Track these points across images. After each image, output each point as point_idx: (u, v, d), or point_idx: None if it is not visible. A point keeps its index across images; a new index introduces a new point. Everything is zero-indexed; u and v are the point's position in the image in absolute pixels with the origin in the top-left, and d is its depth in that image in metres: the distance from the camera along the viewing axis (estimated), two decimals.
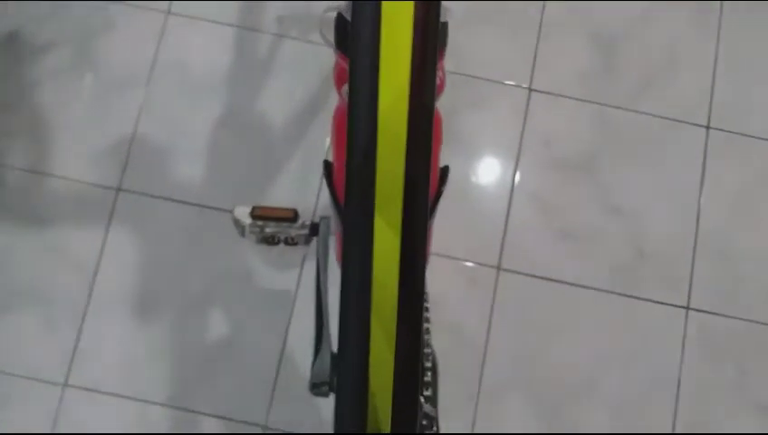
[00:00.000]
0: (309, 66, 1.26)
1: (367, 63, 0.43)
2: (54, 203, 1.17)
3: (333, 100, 1.24)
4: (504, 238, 1.21)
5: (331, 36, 0.62)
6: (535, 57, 1.29)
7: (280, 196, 1.19)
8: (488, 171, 1.24)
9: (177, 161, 1.20)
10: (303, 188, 1.20)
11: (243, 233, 0.85)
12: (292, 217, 0.82)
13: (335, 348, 0.74)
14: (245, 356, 1.13)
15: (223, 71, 1.24)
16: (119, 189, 1.18)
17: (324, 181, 1.18)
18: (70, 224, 1.17)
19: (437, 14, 0.44)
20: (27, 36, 1.24)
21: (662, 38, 1.32)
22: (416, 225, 0.44)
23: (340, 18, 0.59)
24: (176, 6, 1.26)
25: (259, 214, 0.82)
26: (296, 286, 1.15)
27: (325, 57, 1.24)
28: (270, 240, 0.86)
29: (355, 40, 0.44)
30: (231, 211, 0.84)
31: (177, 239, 1.17)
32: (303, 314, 1.14)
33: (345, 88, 0.61)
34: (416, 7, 0.42)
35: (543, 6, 1.31)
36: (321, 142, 1.23)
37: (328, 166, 0.69)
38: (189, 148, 1.20)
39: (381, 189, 0.43)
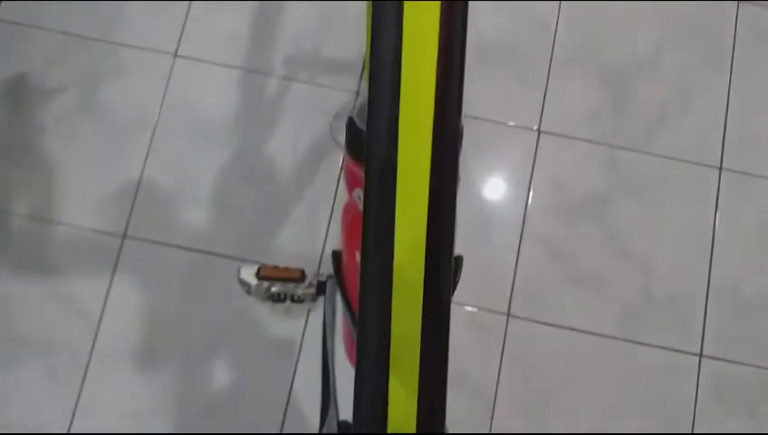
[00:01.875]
0: (317, 109, 1.25)
1: (384, 220, 0.40)
2: (58, 250, 1.16)
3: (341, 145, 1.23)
4: (513, 284, 1.19)
5: (342, 138, 0.60)
6: (544, 98, 1.28)
7: (287, 242, 1.18)
8: (497, 216, 1.22)
9: (184, 207, 1.19)
10: (311, 234, 1.19)
11: (248, 291, 0.84)
12: (298, 277, 0.81)
13: (342, 412, 0.72)
14: (250, 406, 1.12)
15: (230, 114, 1.23)
16: (124, 236, 1.17)
17: (330, 228, 1.18)
18: (74, 272, 1.16)
19: (457, 142, 0.42)
20: (34, 79, 1.23)
21: (673, 77, 1.30)
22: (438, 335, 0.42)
23: (350, 123, 0.58)
24: (183, 49, 1.25)
25: (265, 275, 0.81)
26: (302, 336, 1.13)
27: (333, 100, 1.23)
28: (276, 298, 0.84)
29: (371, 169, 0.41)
30: (237, 271, 0.83)
31: (182, 287, 1.16)
32: (309, 365, 1.12)
33: (357, 192, 0.59)
34: (433, 155, 0.40)
35: (552, 47, 1.30)
36: (330, 186, 1.21)
37: (336, 257, 0.68)
38: (196, 193, 1.19)
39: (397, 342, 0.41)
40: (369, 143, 0.40)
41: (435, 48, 0.40)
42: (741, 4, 1.34)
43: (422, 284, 0.41)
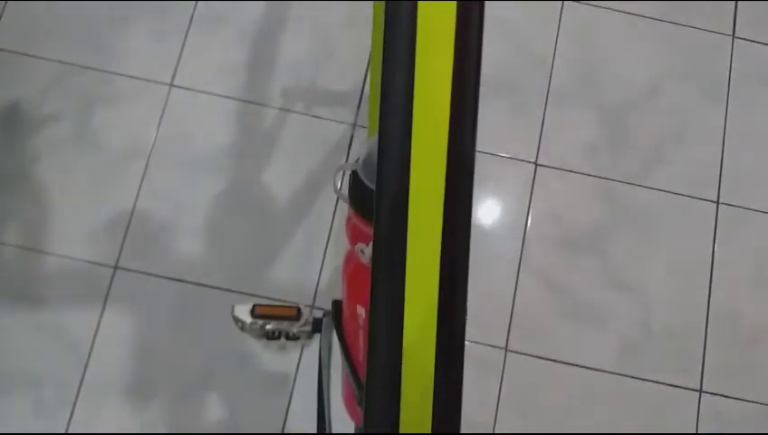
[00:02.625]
0: (314, 140, 1.24)
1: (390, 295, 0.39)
2: (49, 281, 1.14)
3: (337, 175, 1.22)
4: (511, 318, 1.17)
5: (346, 190, 0.59)
6: (542, 131, 1.28)
7: (282, 273, 1.16)
8: (494, 249, 1.21)
9: (177, 238, 1.17)
10: (307, 265, 1.17)
11: (243, 329, 0.82)
12: (294, 315, 0.79)
13: None
14: None
15: (226, 144, 1.22)
16: (116, 267, 1.15)
17: (325, 261, 1.16)
18: (64, 303, 1.13)
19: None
20: (28, 108, 1.22)
21: (671, 111, 1.31)
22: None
23: (355, 177, 0.57)
24: (179, 79, 1.25)
25: (260, 313, 0.79)
26: (296, 370, 1.11)
27: (330, 131, 1.23)
28: (271, 335, 0.82)
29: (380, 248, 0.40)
30: (231, 309, 0.81)
31: (174, 319, 1.14)
32: (303, 399, 1.10)
33: (359, 246, 0.58)
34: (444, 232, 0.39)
35: (549, 80, 1.30)
36: (326, 217, 1.20)
37: (337, 307, 0.66)
38: (190, 224, 1.18)
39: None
40: (380, 186, 0.39)
41: (449, 80, 0.39)
42: (736, 40, 1.35)
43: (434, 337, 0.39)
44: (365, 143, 0.62)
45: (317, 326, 0.83)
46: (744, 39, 1.36)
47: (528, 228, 1.22)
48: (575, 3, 1.34)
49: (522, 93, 1.30)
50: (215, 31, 1.27)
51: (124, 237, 1.16)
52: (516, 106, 1.29)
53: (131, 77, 1.24)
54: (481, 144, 1.26)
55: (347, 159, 1.23)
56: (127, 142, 1.21)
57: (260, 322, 0.80)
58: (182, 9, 1.28)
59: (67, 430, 1.08)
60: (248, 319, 0.80)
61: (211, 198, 1.20)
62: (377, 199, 0.38)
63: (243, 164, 1.22)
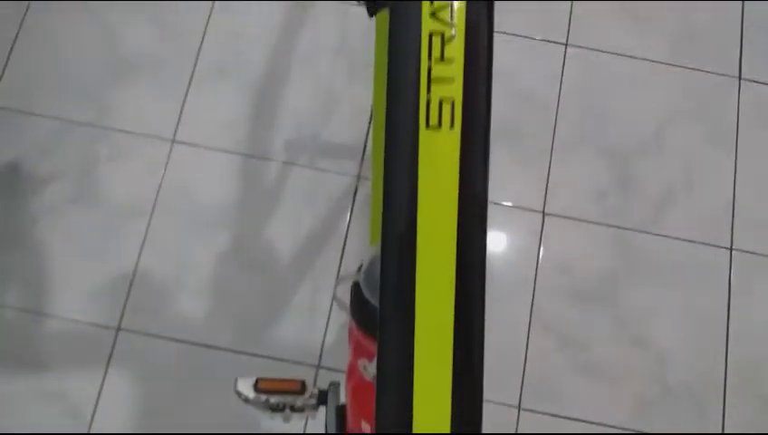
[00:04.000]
0: (317, 193, 1.22)
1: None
2: (50, 344, 1.12)
3: (342, 229, 1.20)
4: (523, 375, 1.14)
5: (347, 300, 0.57)
6: (548, 179, 1.26)
7: (287, 332, 1.14)
8: (504, 303, 1.19)
9: (180, 298, 1.15)
10: (311, 323, 1.15)
11: (246, 401, 0.79)
12: (298, 389, 0.76)
13: None
14: None
15: (229, 200, 1.21)
16: (118, 329, 1.13)
17: (331, 317, 1.14)
18: (66, 367, 1.11)
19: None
20: (28, 167, 1.21)
21: (678, 155, 1.29)
22: None
23: (356, 290, 0.54)
24: (181, 134, 1.24)
25: (263, 387, 0.76)
26: (303, 432, 1.08)
27: (334, 184, 1.21)
28: (275, 408, 0.80)
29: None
30: (234, 382, 0.78)
31: (177, 381, 1.11)
32: None
33: (362, 362, 0.56)
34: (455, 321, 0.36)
35: (555, 126, 1.29)
36: (331, 272, 1.18)
37: (340, 413, 0.64)
38: (192, 283, 1.16)
39: None
40: (383, 310, 0.36)
41: (455, 191, 0.37)
42: (742, 81, 1.34)
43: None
44: (367, 250, 0.59)
45: (322, 398, 0.80)
46: (751, 80, 1.34)
47: (537, 280, 1.19)
48: (578, 49, 1.33)
49: (527, 141, 1.28)
50: (216, 85, 1.27)
51: (126, 298, 1.14)
52: (521, 154, 1.27)
53: (132, 133, 1.23)
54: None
55: (351, 211, 1.22)
56: (128, 200, 1.20)
57: (263, 396, 0.77)
58: (183, 64, 1.27)
59: None
60: (251, 393, 0.77)
61: (214, 255, 1.18)
62: (380, 323, 0.36)
63: (246, 219, 1.20)
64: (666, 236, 1.23)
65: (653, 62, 1.33)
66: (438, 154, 0.36)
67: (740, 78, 1.34)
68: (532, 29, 1.33)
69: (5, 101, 1.24)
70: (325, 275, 1.18)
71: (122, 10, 1.30)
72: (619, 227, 1.23)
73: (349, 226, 1.21)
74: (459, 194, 0.35)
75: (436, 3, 0.35)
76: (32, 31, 1.28)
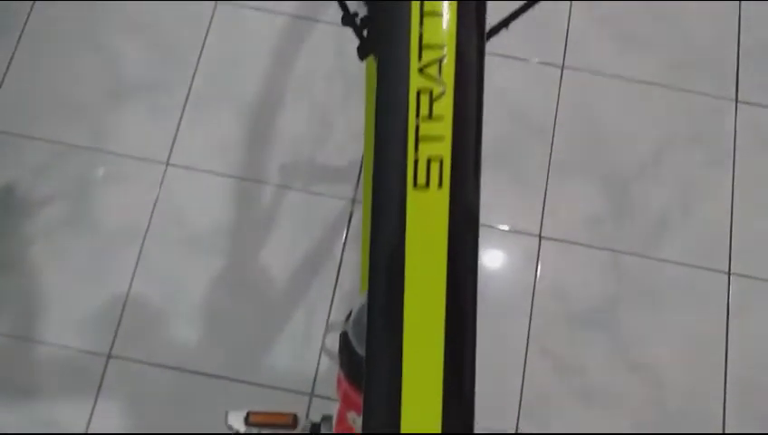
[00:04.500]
0: (312, 217, 1.21)
1: None
2: (40, 371, 1.10)
3: (337, 254, 1.19)
4: (520, 402, 1.13)
5: (336, 349, 0.56)
6: (544, 202, 1.25)
7: (279, 359, 1.12)
8: (500, 329, 1.17)
9: (172, 323, 1.13)
10: (305, 350, 1.13)
11: None
12: (290, 423, 0.75)
13: None
14: None
15: (223, 224, 1.20)
16: (109, 356, 1.11)
17: (322, 344, 1.12)
18: (56, 394, 1.09)
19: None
20: (22, 190, 1.20)
21: (675, 179, 1.28)
22: None
23: (345, 340, 0.53)
24: (175, 157, 1.23)
25: (255, 421, 0.75)
26: None
27: (329, 208, 1.20)
28: None
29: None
30: (225, 416, 0.77)
31: (168, 409, 1.09)
32: None
33: (351, 415, 0.54)
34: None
35: (551, 149, 1.28)
36: (325, 298, 1.17)
37: None
38: (185, 309, 1.14)
39: None
40: (369, 365, 0.35)
41: (444, 244, 0.36)
42: (739, 104, 1.33)
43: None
44: (356, 299, 0.58)
45: (315, 430, 0.79)
46: (748, 103, 1.34)
47: (534, 304, 1.18)
48: (574, 71, 1.33)
49: (522, 164, 1.27)
50: (211, 109, 1.26)
51: (118, 324, 1.13)
52: (517, 177, 1.27)
53: (127, 156, 1.23)
54: (481, 216, 1.23)
55: (346, 236, 1.21)
56: (122, 224, 1.19)
57: (254, 430, 0.76)
58: (179, 87, 1.27)
59: None
60: (242, 427, 0.76)
61: (207, 280, 1.17)
62: (366, 382, 0.35)
63: (240, 244, 1.19)
64: (663, 260, 1.22)
65: (649, 84, 1.33)
66: (426, 215, 0.35)
67: (736, 100, 1.34)
68: (529, 51, 1.33)
69: (1, 124, 1.24)
70: (319, 301, 1.16)
71: (119, 33, 1.30)
72: (616, 251, 1.22)
73: (343, 251, 1.20)
74: (448, 256, 0.34)
75: (424, 58, 0.34)
76: (28, 53, 1.28)
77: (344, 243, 1.20)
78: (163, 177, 1.22)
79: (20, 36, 1.28)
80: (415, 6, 0.34)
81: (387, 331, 0.34)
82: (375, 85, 0.35)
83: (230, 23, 1.31)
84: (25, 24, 1.29)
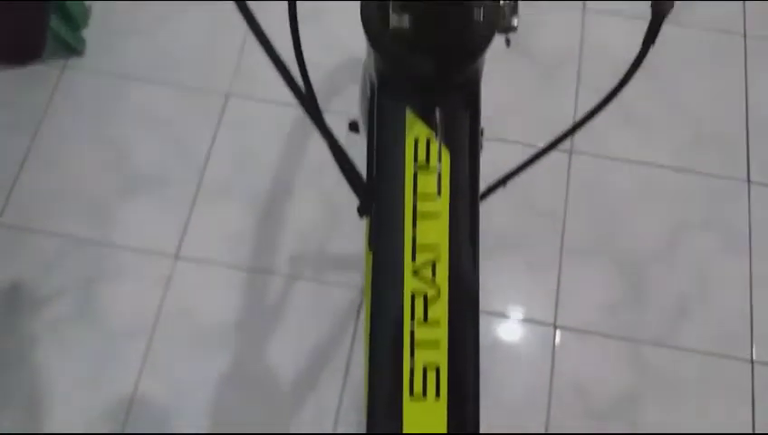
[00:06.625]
0: (322, 308, 1.20)
1: None
2: None
3: (345, 346, 1.17)
4: None
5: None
6: (558, 290, 1.23)
7: None
8: (517, 423, 1.13)
9: (179, 423, 1.11)
10: None
11: None
12: None
13: None
14: None
15: (231, 318, 1.18)
16: None
17: None
18: None
19: None
20: (30, 286, 1.20)
21: (691, 264, 1.26)
22: None
23: None
24: (185, 250, 1.23)
25: None
26: None
27: (339, 298, 1.19)
28: None
29: None
30: None
31: None
32: None
33: None
34: None
35: (562, 235, 1.26)
36: (333, 397, 1.14)
37: None
38: (192, 407, 1.12)
39: None
40: None
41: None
42: (752, 185, 1.32)
43: None
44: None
45: None
46: (760, 183, 1.32)
47: (551, 402, 1.14)
48: (582, 156, 1.33)
49: (534, 251, 1.26)
50: (221, 200, 1.27)
51: (123, 425, 1.10)
52: (529, 264, 1.25)
53: (136, 250, 1.23)
54: (494, 305, 1.21)
55: (355, 329, 1.19)
56: (129, 320, 1.18)
57: None
58: (189, 179, 1.28)
59: None
60: None
61: (215, 377, 1.14)
62: None
63: (248, 339, 1.17)
64: (683, 349, 1.19)
65: (660, 167, 1.32)
66: (423, 427, 0.33)
67: (749, 181, 1.32)
68: (535, 137, 1.34)
69: (13, 219, 1.25)
70: (327, 398, 1.13)
71: (131, 127, 1.32)
72: (634, 341, 1.19)
73: (353, 340, 1.18)
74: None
75: (418, 259, 0.33)
76: (42, 148, 1.30)
77: (353, 335, 1.18)
78: (172, 270, 1.22)
79: (36, 132, 1.31)
80: (408, 206, 0.33)
81: None
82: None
83: (240, 115, 1.33)
84: (41, 121, 1.32)
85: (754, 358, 1.19)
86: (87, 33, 1.38)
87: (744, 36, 1.44)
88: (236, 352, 1.16)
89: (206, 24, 1.41)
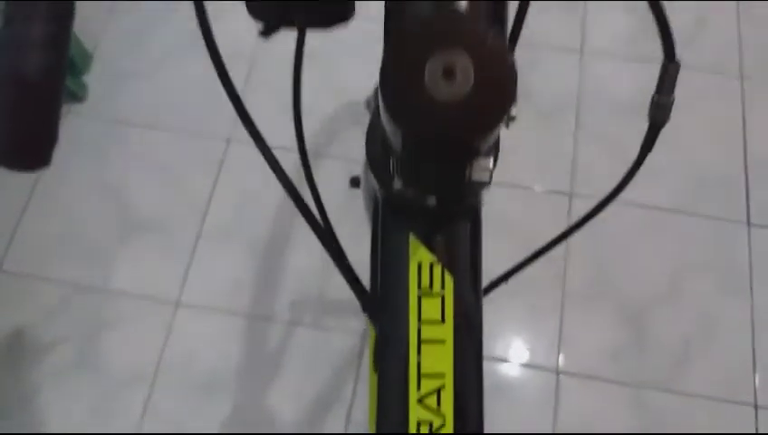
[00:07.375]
0: (322, 354, 1.19)
1: None
2: None
3: (347, 392, 1.16)
4: None
5: None
6: (560, 334, 1.22)
7: None
8: None
9: None
10: None
11: None
12: None
13: None
14: None
15: (231, 365, 1.18)
16: None
17: None
18: None
19: None
20: (32, 334, 1.20)
21: (693, 307, 1.25)
22: None
23: None
24: (186, 296, 1.23)
25: None
26: None
27: (339, 344, 1.18)
28: None
29: None
30: None
31: None
32: None
33: None
34: None
35: (564, 281, 1.26)
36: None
37: None
38: None
39: None
40: None
41: None
42: (752, 227, 1.32)
43: None
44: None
45: None
46: (760, 225, 1.33)
47: None
48: (583, 199, 1.33)
49: (535, 295, 1.26)
50: (222, 246, 1.27)
51: None
52: (530, 309, 1.25)
53: (137, 296, 1.23)
54: (496, 350, 1.21)
55: (357, 375, 1.18)
56: (130, 367, 1.17)
57: None
58: (190, 225, 1.28)
59: None
60: None
61: (216, 425, 1.14)
62: None
63: (249, 386, 1.17)
64: (686, 394, 1.18)
65: (660, 210, 1.33)
66: None
67: (749, 223, 1.33)
68: (534, 179, 1.34)
69: (14, 266, 1.25)
70: None
71: (132, 173, 1.33)
72: (637, 386, 1.19)
73: (356, 384, 1.18)
74: None
75: (422, 388, 0.34)
76: (43, 194, 1.31)
77: (355, 382, 1.18)
78: (173, 317, 1.21)
79: (37, 178, 1.31)
80: (413, 332, 0.34)
81: None
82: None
83: (242, 160, 1.34)
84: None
85: (759, 403, 1.18)
86: (89, 79, 1.40)
87: (741, 78, 1.45)
88: (237, 399, 1.15)
89: (206, 68, 1.42)
